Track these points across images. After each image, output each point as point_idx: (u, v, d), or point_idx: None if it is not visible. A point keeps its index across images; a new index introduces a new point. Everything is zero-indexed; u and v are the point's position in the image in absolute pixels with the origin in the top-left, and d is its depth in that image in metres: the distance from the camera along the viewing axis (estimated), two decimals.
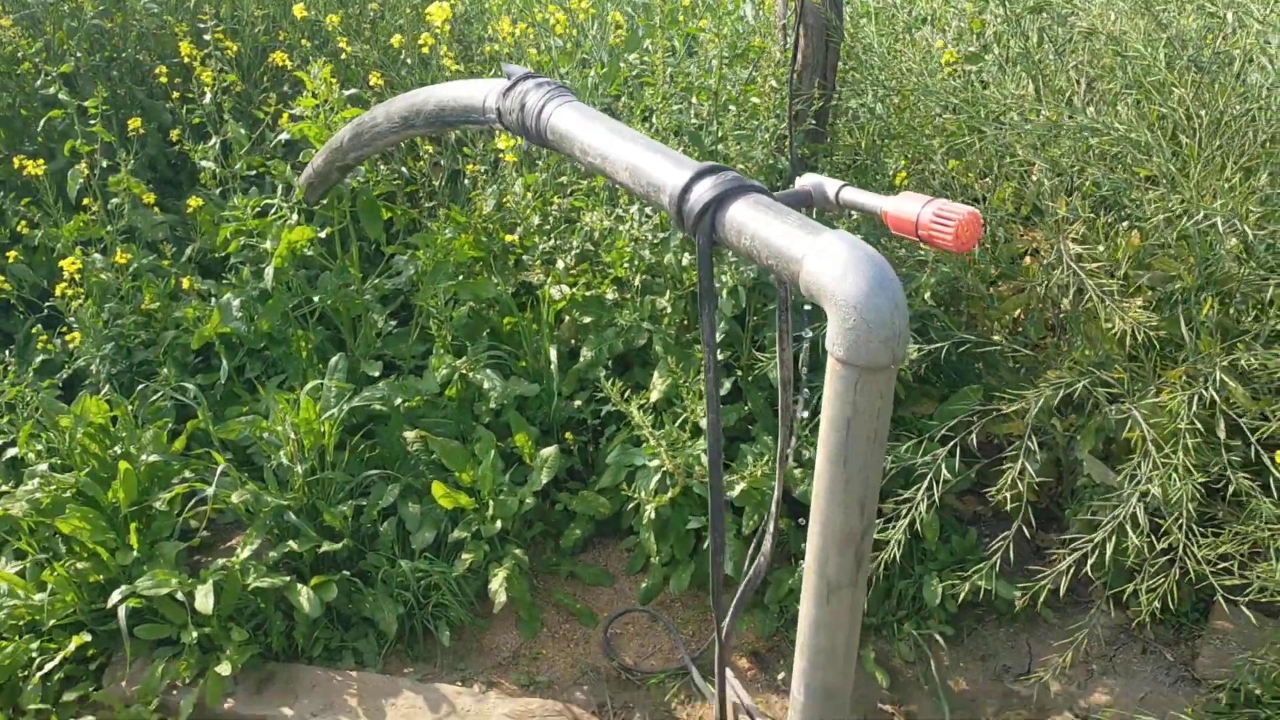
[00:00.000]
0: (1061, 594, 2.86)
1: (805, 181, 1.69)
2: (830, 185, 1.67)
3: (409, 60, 3.57)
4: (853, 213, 2.32)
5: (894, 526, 2.53)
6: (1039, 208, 2.98)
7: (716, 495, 1.67)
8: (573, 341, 3.31)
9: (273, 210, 3.24)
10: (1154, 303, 2.80)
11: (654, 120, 3.06)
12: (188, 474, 3.04)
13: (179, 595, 2.78)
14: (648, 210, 3.06)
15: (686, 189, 1.61)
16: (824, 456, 1.46)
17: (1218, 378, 2.21)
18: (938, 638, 2.85)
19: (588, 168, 1.84)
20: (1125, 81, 3.04)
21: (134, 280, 3.44)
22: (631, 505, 2.98)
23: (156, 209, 3.56)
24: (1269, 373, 2.23)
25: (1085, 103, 3.06)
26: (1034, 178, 3.08)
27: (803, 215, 1.50)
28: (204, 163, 3.37)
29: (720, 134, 3.08)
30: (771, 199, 1.57)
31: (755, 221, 1.52)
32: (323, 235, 3.22)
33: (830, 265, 1.38)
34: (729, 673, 1.87)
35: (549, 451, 3.06)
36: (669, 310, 3.11)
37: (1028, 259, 3.18)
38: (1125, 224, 2.83)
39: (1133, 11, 3.18)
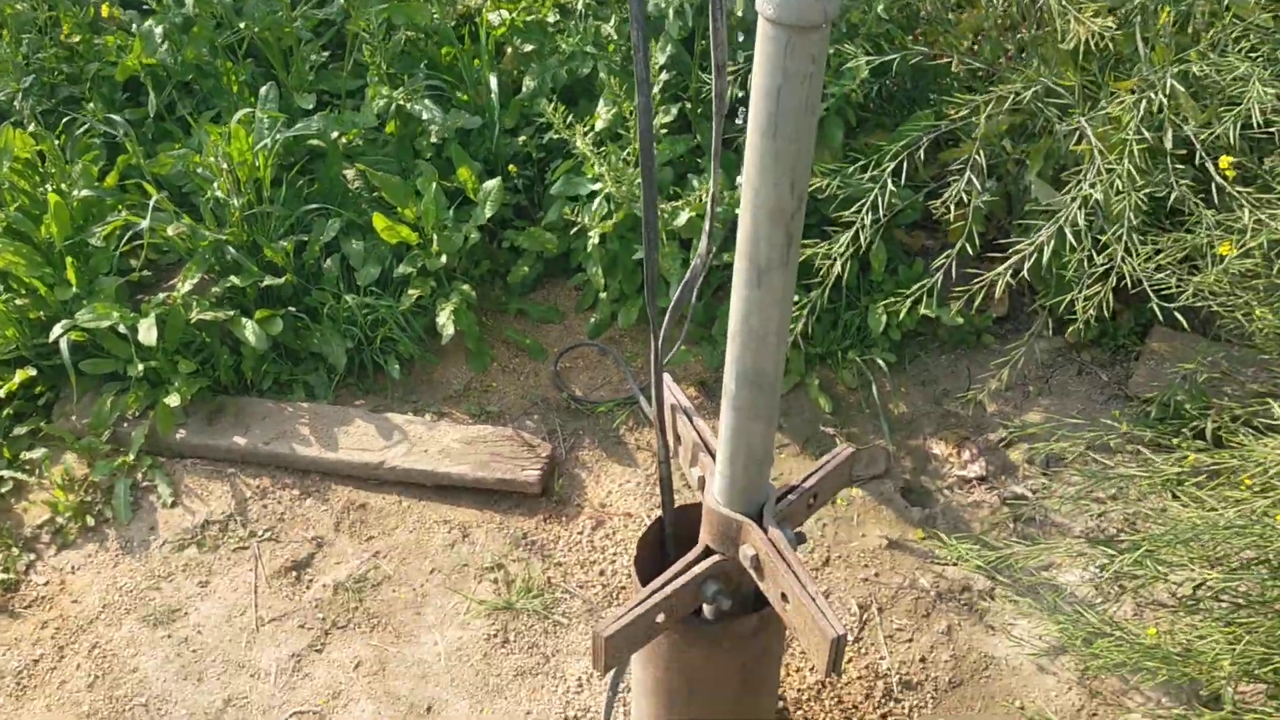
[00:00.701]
0: (1000, 309, 2.89)
1: None
2: None
3: None
4: None
5: (837, 245, 2.52)
6: None
7: (649, 175, 1.63)
8: (514, 73, 3.18)
9: None
10: (1115, 25, 2.71)
11: None
12: (121, 209, 2.96)
13: (121, 329, 2.76)
14: None
15: None
16: (753, 128, 1.41)
17: (1168, 84, 2.16)
18: (880, 364, 2.89)
19: None
20: None
21: (51, 10, 3.24)
22: (578, 234, 2.94)
23: None
24: (1218, 83, 2.18)
25: None
26: None
27: None
28: None
29: None
30: None
31: None
32: None
33: None
34: (667, 376, 1.88)
35: (492, 184, 2.99)
36: (614, 35, 2.98)
37: None
38: None
39: None
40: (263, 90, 3.01)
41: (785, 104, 1.39)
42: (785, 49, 1.35)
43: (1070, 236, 2.17)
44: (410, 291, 2.95)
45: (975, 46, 2.99)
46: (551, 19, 3.02)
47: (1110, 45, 2.28)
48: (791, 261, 1.58)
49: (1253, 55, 2.20)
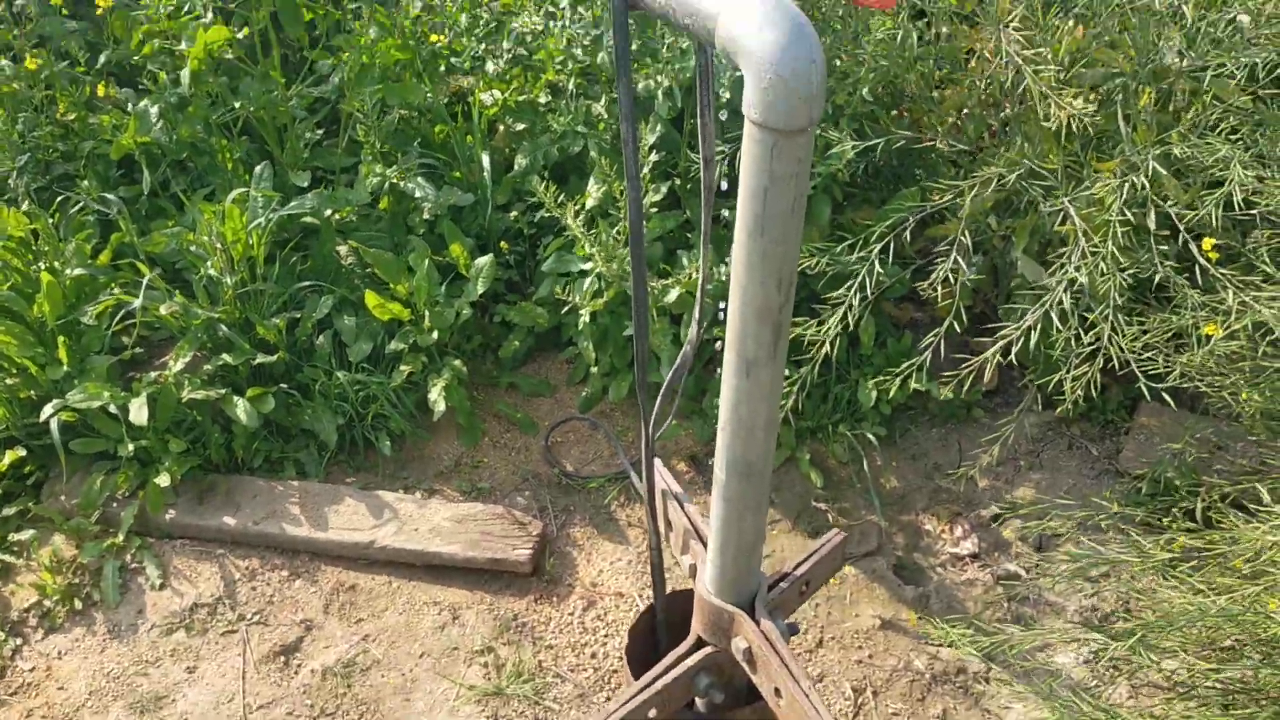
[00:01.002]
0: (989, 384, 2.90)
1: None
2: None
3: None
4: None
5: (827, 326, 2.53)
6: (983, 4, 2.89)
7: (639, 263, 1.65)
8: (507, 150, 3.22)
9: (186, 9, 3.07)
10: (1095, 103, 2.75)
11: None
12: (114, 288, 2.97)
13: (112, 408, 2.75)
14: (580, 8, 2.93)
15: None
16: (741, 228, 1.43)
17: (1150, 167, 2.19)
18: (871, 438, 2.90)
19: None
20: None
21: (47, 89, 3.28)
22: (569, 312, 2.96)
23: (66, 12, 3.37)
24: (1200, 163, 2.22)
25: None
26: None
27: None
28: None
29: None
30: None
31: None
32: (241, 36, 3.07)
33: (745, 19, 1.32)
34: (657, 461, 1.89)
35: (484, 261, 3.01)
36: (604, 115, 3.02)
37: (971, 61, 3.11)
38: (1071, 22, 2.76)
39: None
40: (258, 169, 3.03)
41: (772, 205, 1.41)
42: (771, 152, 1.37)
43: (1056, 320, 2.18)
44: (402, 367, 2.95)
45: (959, 122, 3.03)
46: (543, 99, 3.06)
47: (1091, 128, 2.31)
48: (780, 355, 1.59)
49: (1233, 138, 2.24)
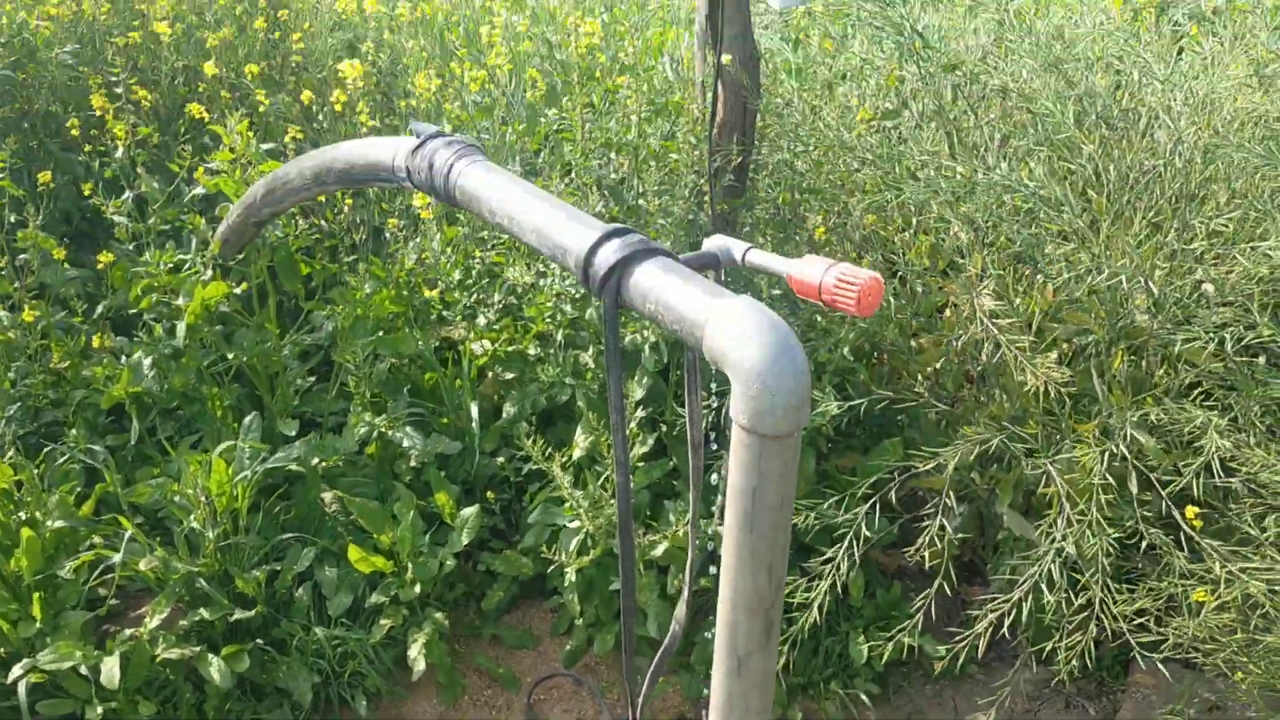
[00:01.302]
0: (984, 652, 2.86)
1: (712, 244, 1.68)
2: (737, 247, 1.66)
3: (322, 118, 3.53)
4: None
5: (817, 588, 2.51)
6: (955, 263, 3.02)
7: (628, 563, 1.64)
8: (495, 398, 3.26)
9: (187, 266, 3.16)
10: (1068, 355, 2.83)
11: (574, 176, 3.06)
12: (95, 540, 2.93)
13: (83, 669, 2.67)
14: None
15: (593, 251, 1.59)
16: (731, 524, 1.44)
17: (1128, 433, 2.23)
18: (864, 697, 2.82)
19: (496, 228, 1.82)
20: (1037, 138, 3.09)
21: (43, 338, 3.33)
22: (554, 566, 2.93)
23: (67, 264, 3.46)
24: (1179, 427, 2.26)
25: (999, 159, 3.11)
26: (951, 231, 3.12)
27: (707, 279, 1.49)
28: (117, 218, 3.30)
29: (641, 189, 3.09)
30: (678, 262, 1.55)
31: (660, 285, 1.50)
32: (239, 291, 3.15)
33: (732, 331, 1.37)
34: None
35: (470, 512, 3.00)
36: (592, 366, 3.09)
37: (947, 311, 3.21)
38: (1040, 279, 2.87)
39: (1043, 69, 3.25)
40: (246, 420, 3.05)
41: (760, 502, 1.43)
42: (760, 454, 1.39)
43: (1046, 590, 2.17)
44: (382, 621, 2.89)
45: (939, 370, 3.10)
46: (532, 351, 3.13)
47: (1066, 393, 2.37)
48: (771, 644, 1.57)
49: (1209, 404, 2.29)
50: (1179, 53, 3.24)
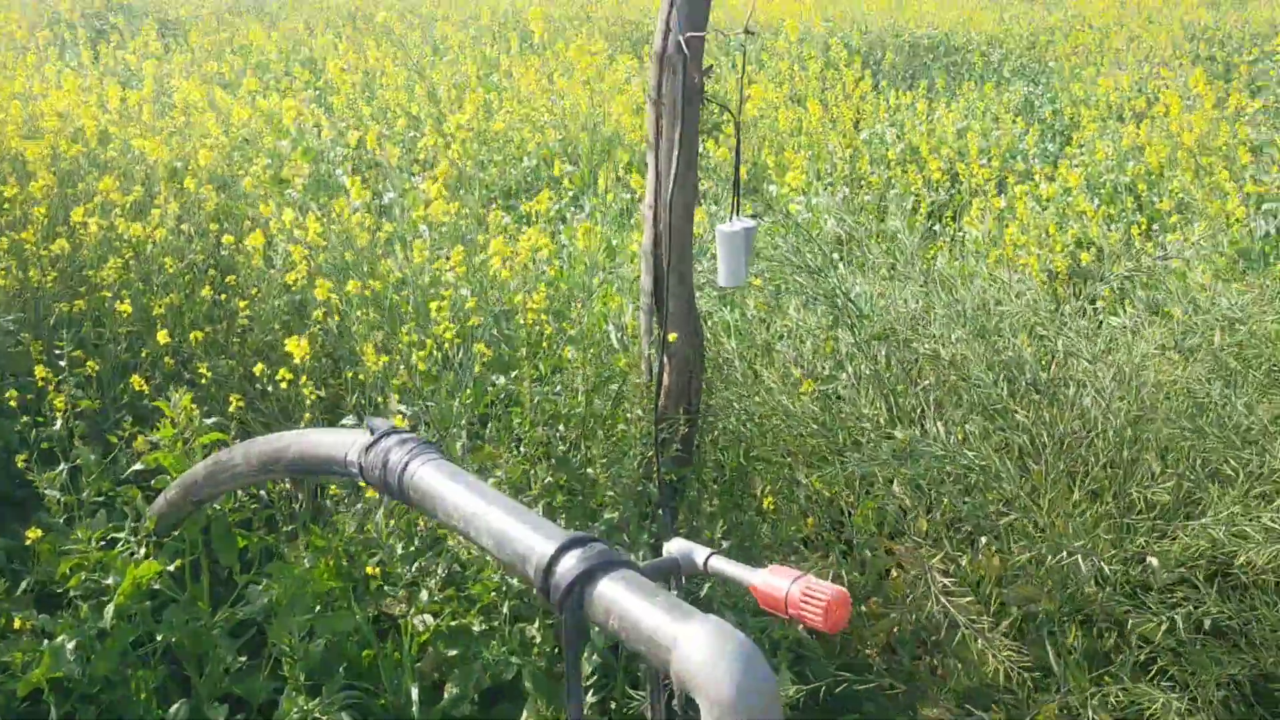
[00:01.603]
0: None
1: (674, 548, 1.68)
2: (699, 553, 1.66)
3: (269, 386, 3.54)
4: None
5: None
6: (900, 527, 3.04)
7: None
8: (436, 675, 3.14)
9: (119, 544, 3.06)
10: (1019, 620, 2.82)
11: (522, 447, 3.07)
12: None
13: None
14: None
15: (553, 561, 1.57)
16: None
17: (1090, 717, 2.20)
18: None
19: (452, 531, 1.80)
20: (970, 404, 3.20)
21: None
22: None
23: None
24: (1139, 705, 2.24)
25: (934, 423, 3.20)
26: (895, 491, 3.16)
27: (672, 595, 1.48)
28: (49, 491, 3.21)
29: (589, 455, 3.10)
30: (640, 574, 1.54)
31: (624, 601, 1.48)
32: (172, 569, 3.05)
33: (699, 656, 1.35)
34: None
35: None
36: (538, 639, 3.00)
37: (894, 573, 3.21)
38: (984, 540, 2.90)
39: (971, 338, 3.40)
40: (172, 710, 2.89)
41: None
42: None
43: None
44: None
45: (895, 647, 3.06)
46: (477, 627, 3.04)
47: (1024, 672, 2.35)
48: None
49: (1167, 681, 2.28)
50: (1099, 325, 3.41)
